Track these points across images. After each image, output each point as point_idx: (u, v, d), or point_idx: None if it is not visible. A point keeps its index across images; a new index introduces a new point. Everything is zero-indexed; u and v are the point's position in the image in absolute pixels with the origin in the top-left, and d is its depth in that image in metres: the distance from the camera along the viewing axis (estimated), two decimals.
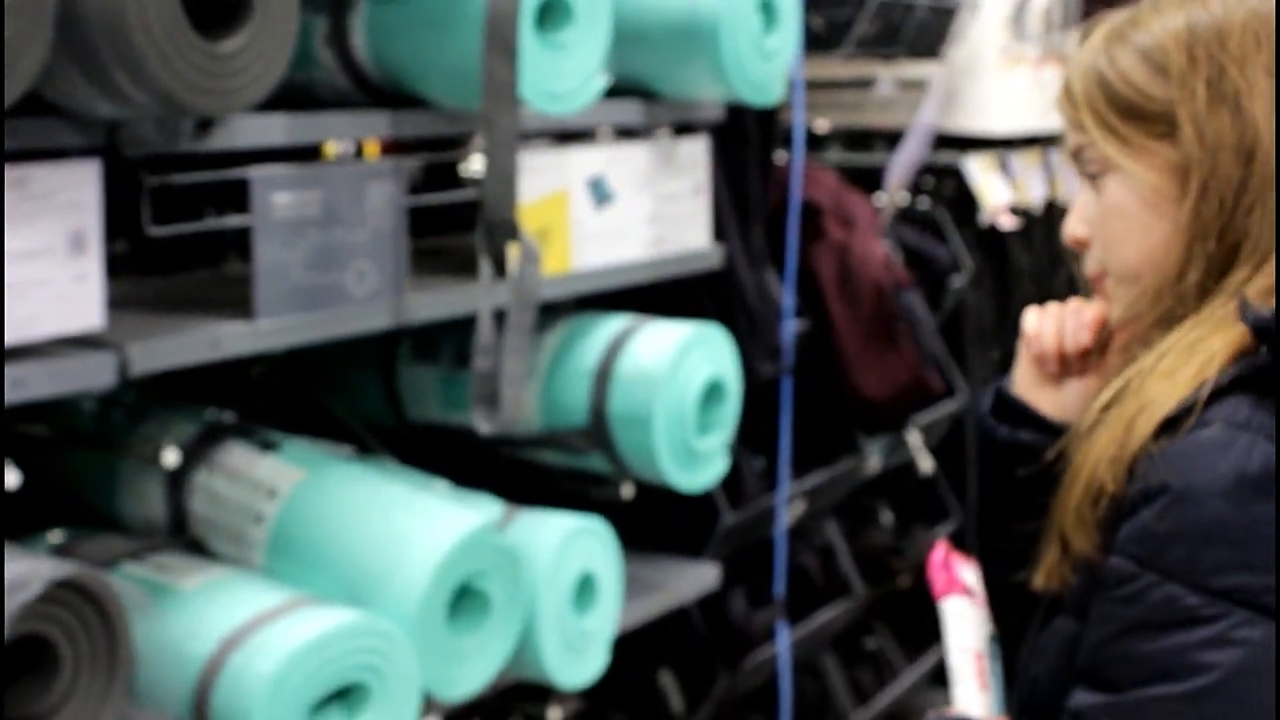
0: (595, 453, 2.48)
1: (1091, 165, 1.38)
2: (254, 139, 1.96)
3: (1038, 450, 1.42)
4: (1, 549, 1.62)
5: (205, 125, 1.88)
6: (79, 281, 1.74)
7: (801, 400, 3.15)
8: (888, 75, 3.99)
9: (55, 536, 2.15)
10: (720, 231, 2.85)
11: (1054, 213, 4.24)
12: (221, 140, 1.91)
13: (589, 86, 2.28)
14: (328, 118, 2.11)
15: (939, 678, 3.91)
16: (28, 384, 1.69)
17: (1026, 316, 1.52)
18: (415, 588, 2.02)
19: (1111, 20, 1.40)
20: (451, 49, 2.13)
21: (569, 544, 2.28)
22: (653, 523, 2.82)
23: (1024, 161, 4.14)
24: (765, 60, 2.59)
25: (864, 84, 4.03)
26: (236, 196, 2.44)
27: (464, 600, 2.11)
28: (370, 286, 2.10)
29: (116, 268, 1.86)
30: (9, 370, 1.66)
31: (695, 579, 2.81)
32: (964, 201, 4.00)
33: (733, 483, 2.94)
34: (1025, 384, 1.51)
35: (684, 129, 2.72)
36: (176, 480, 2.20)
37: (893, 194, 3.82)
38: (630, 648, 2.62)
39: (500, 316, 2.21)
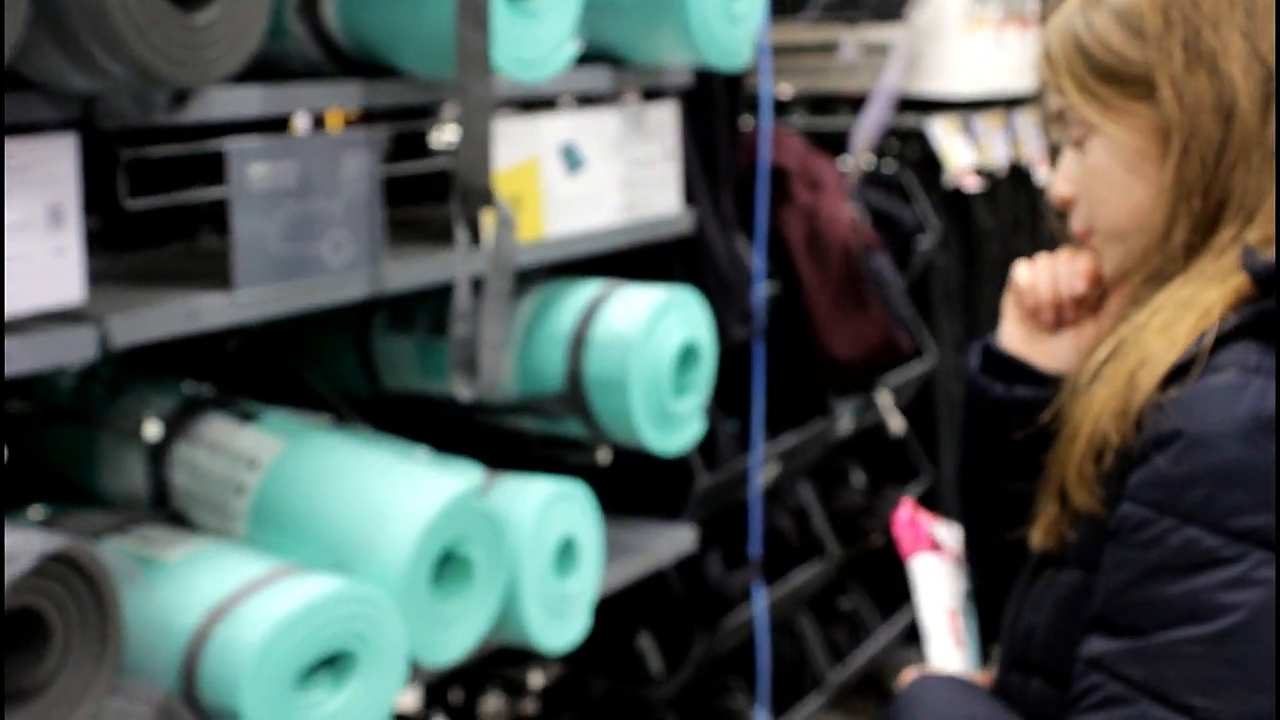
0: (572, 418, 2.49)
1: (1074, 129, 1.39)
2: (229, 111, 1.96)
3: (1035, 405, 1.42)
4: (1, 523, 1.62)
5: (180, 98, 1.88)
6: (58, 255, 1.74)
7: (773, 362, 3.17)
8: (851, 39, 4.01)
9: (36, 513, 2.15)
10: (690, 196, 2.86)
11: (1017, 174, 4.27)
12: (197, 112, 1.91)
13: (560, 53, 2.29)
14: (302, 89, 2.11)
15: (913, 637, 3.94)
16: (9, 359, 1.69)
17: (1017, 269, 1.52)
18: (400, 554, 2.03)
19: None
20: (423, 18, 2.13)
21: (550, 508, 2.29)
22: (628, 487, 2.84)
23: (987, 123, 4.16)
24: (733, 25, 2.60)
25: (828, 48, 4.04)
26: (206, 169, 2.45)
27: (447, 566, 2.13)
28: (347, 256, 2.11)
29: (90, 243, 1.85)
30: None
31: (672, 542, 2.83)
32: (929, 164, 4.02)
33: (707, 446, 2.96)
34: (1016, 339, 1.51)
35: (652, 95, 2.73)
36: (157, 453, 2.20)
37: (858, 157, 3.83)
38: (609, 611, 2.64)
39: (477, 284, 2.22)
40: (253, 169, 1.97)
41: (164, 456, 2.20)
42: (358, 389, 2.67)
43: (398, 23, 2.16)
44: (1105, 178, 1.38)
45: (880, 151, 4.02)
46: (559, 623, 2.34)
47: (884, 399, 3.71)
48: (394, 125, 2.78)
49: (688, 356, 2.53)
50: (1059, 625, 1.34)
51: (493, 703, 3.34)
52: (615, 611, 2.78)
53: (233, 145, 1.96)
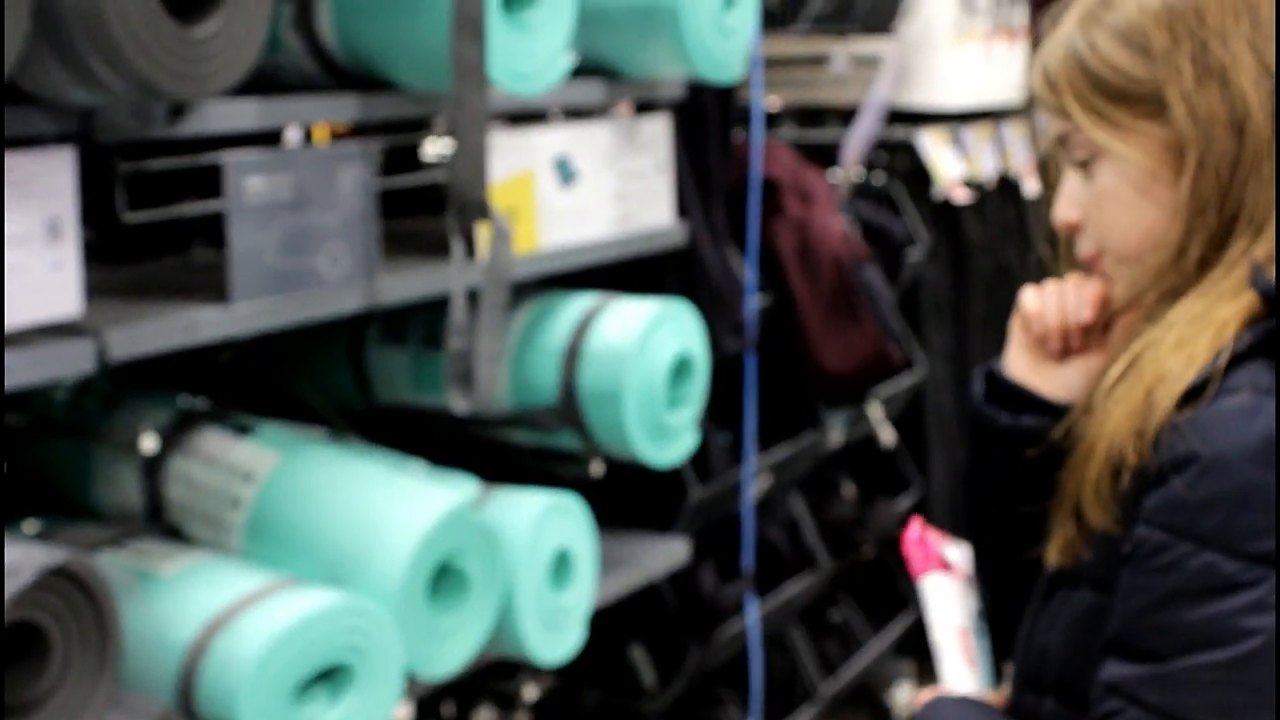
0: (566, 430, 2.49)
1: (1079, 151, 1.37)
2: (226, 124, 1.96)
3: (1040, 434, 1.40)
4: (1, 536, 1.62)
5: (178, 111, 1.89)
6: (56, 269, 1.74)
7: (764, 374, 3.17)
8: (842, 52, 4.01)
9: (30, 526, 2.14)
10: (683, 209, 2.87)
11: (1006, 186, 4.28)
12: (194, 125, 1.91)
13: (555, 66, 2.29)
14: (299, 102, 2.11)
15: (903, 648, 3.95)
16: (8, 372, 1.69)
17: (1025, 296, 1.48)
18: (396, 567, 2.03)
19: (1080, 2, 1.38)
20: (419, 31, 2.13)
21: (545, 521, 2.30)
22: (622, 500, 2.84)
23: (976, 135, 4.17)
24: (725, 38, 2.61)
25: (818, 61, 4.05)
26: (201, 183, 2.45)
27: (443, 579, 2.13)
28: (343, 269, 2.11)
29: (86, 256, 1.85)
30: None
31: (665, 554, 2.84)
32: (918, 176, 4.03)
33: (700, 458, 2.96)
34: (1022, 367, 1.47)
35: (645, 108, 2.73)
36: (152, 467, 2.20)
37: (848, 169, 3.84)
38: (602, 624, 2.64)
39: (473, 296, 2.22)
40: (249, 182, 1.98)
41: (159, 470, 2.20)
42: (351, 402, 2.67)
43: (393, 36, 2.16)
44: (1115, 200, 1.36)
45: (870, 163, 4.02)
46: (554, 635, 2.34)
47: (875, 411, 3.71)
48: (386, 138, 2.78)
49: (681, 369, 2.54)
50: (1073, 645, 1.33)
51: (485, 716, 3.33)
52: (608, 624, 2.78)
53: (229, 159, 1.96)
